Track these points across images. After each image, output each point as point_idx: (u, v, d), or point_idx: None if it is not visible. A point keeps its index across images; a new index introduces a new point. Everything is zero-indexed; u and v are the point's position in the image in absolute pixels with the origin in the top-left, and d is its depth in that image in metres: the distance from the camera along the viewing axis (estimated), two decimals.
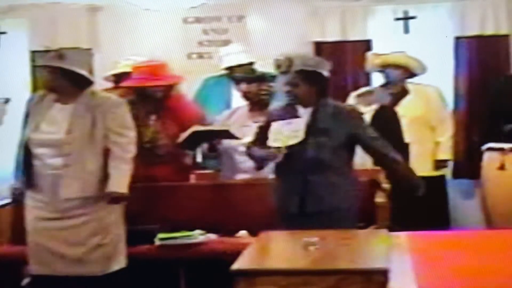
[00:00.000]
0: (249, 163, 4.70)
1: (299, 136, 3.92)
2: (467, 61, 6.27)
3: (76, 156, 3.95)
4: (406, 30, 6.42)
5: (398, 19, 6.43)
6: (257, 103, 4.98)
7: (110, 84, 5.88)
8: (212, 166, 5.27)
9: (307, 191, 3.98)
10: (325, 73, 4.07)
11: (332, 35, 6.38)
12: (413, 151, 5.49)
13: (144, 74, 4.86)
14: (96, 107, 4.03)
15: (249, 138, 4.72)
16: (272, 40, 6.15)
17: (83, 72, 4.02)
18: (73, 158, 3.95)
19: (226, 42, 6.47)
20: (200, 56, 6.61)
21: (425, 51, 6.03)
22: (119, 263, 4.07)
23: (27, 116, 4.10)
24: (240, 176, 4.97)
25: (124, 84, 5.04)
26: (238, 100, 5.38)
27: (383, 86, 5.65)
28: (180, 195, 4.74)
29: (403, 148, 5.29)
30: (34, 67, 4.25)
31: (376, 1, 6.43)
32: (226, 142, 4.95)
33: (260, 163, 4.23)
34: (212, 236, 4.51)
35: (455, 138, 5.93)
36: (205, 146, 5.01)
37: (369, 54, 5.86)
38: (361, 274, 2.87)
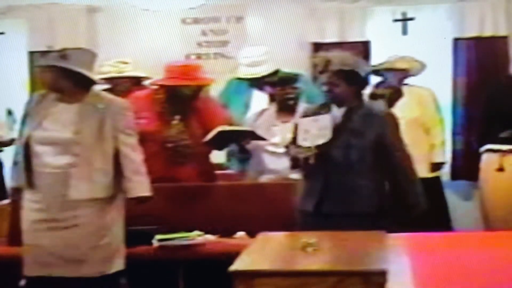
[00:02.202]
0: (276, 164, 4.70)
1: (326, 135, 3.87)
2: (465, 63, 6.28)
3: (85, 156, 3.93)
4: (405, 31, 6.43)
5: (396, 20, 6.45)
6: (284, 105, 4.96)
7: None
8: (237, 167, 5.25)
9: (326, 191, 3.94)
10: (363, 73, 4.04)
11: (330, 36, 6.39)
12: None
13: (176, 74, 4.84)
14: (104, 108, 4.01)
15: (277, 138, 4.72)
16: (270, 41, 6.15)
17: (87, 72, 4.01)
18: (82, 158, 3.92)
19: (224, 43, 6.48)
20: (199, 57, 6.61)
21: (423, 53, 6.04)
22: (118, 265, 4.06)
23: (26, 115, 4.08)
24: (267, 177, 4.94)
25: (156, 82, 5.00)
26: (258, 103, 5.35)
27: (375, 87, 5.63)
28: (178, 196, 4.74)
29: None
30: (35, 67, 4.21)
31: (375, 2, 6.44)
32: (255, 142, 4.90)
33: (294, 163, 4.12)
34: (210, 237, 4.51)
35: (453, 140, 5.94)
36: (235, 147, 4.98)
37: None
38: (359, 275, 2.87)
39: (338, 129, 3.94)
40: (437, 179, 5.77)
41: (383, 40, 6.41)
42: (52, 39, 6.38)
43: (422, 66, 5.68)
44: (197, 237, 4.41)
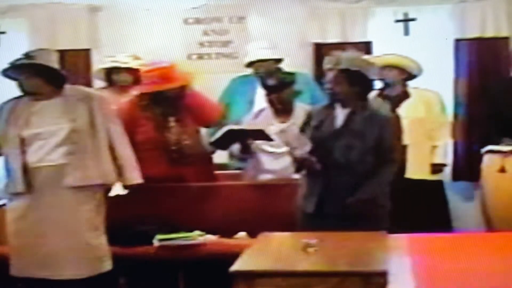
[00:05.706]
0: (273, 164, 4.78)
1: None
2: (467, 64, 6.26)
3: (82, 144, 3.99)
4: (406, 32, 6.42)
5: (398, 21, 6.44)
6: (279, 108, 4.95)
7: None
8: (236, 166, 5.28)
9: (327, 191, 3.95)
10: (371, 76, 4.03)
11: (332, 37, 6.37)
12: (411, 153, 5.50)
13: (154, 78, 4.83)
14: (89, 98, 4.08)
15: (274, 138, 4.73)
16: (272, 41, 6.14)
17: (56, 67, 4.04)
18: (79, 146, 3.98)
19: (226, 43, 6.48)
20: (200, 57, 6.60)
21: (425, 53, 6.03)
22: (108, 264, 4.07)
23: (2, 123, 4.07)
24: (264, 177, 4.93)
25: (137, 89, 5.01)
26: (262, 100, 5.36)
27: (381, 90, 5.62)
28: (179, 196, 4.74)
29: (402, 150, 5.31)
30: (5, 72, 4.19)
31: (377, 2, 6.43)
32: (254, 142, 4.92)
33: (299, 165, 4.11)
34: (211, 237, 4.50)
35: (455, 141, 5.94)
36: (236, 147, 4.97)
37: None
38: (360, 276, 2.87)
39: (340, 131, 3.96)
40: (439, 183, 5.76)
41: (384, 40, 6.40)
42: (53, 38, 6.38)
43: (416, 65, 5.67)
44: (198, 237, 4.41)
